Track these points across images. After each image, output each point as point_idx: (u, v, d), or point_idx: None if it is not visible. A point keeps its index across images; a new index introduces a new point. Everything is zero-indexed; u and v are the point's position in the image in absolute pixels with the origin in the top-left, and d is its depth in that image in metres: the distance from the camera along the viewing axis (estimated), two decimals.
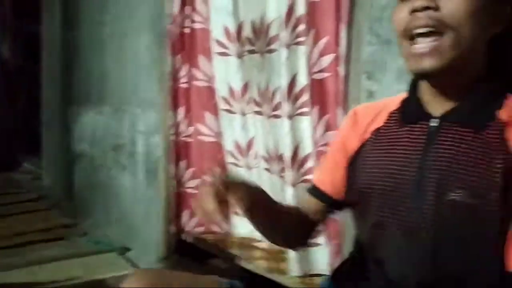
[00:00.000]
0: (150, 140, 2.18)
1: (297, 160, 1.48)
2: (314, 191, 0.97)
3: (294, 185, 1.48)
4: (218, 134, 1.86)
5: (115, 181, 2.55)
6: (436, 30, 0.73)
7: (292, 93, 1.46)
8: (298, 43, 1.45)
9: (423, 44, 0.74)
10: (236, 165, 1.78)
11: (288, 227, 0.95)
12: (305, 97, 1.44)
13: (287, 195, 1.50)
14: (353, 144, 0.92)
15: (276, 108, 1.56)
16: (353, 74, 1.32)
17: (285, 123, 1.47)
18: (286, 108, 1.46)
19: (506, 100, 0.78)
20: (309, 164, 1.48)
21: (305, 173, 1.50)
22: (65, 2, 3.17)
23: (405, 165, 0.81)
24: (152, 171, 2.16)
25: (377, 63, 1.25)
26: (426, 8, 0.73)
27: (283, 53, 1.44)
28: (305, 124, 1.46)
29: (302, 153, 1.48)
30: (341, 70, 1.32)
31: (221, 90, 1.78)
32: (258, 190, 0.86)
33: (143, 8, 2.22)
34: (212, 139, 1.88)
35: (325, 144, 1.40)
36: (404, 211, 0.79)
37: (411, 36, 0.75)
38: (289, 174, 1.48)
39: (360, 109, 0.96)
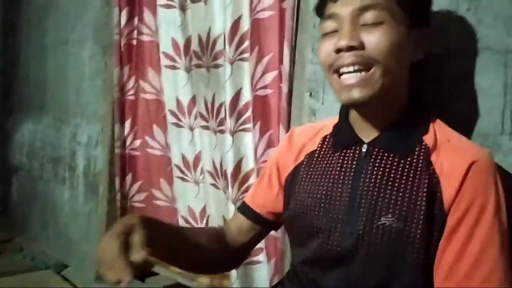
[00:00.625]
0: (92, 153, 2.10)
1: (239, 177, 1.47)
2: (244, 209, 0.98)
3: (235, 202, 1.47)
4: (166, 148, 1.82)
5: (53, 194, 2.44)
6: (364, 66, 0.75)
7: (235, 109, 1.45)
8: (242, 59, 1.44)
9: (349, 75, 0.76)
10: (183, 179, 1.75)
11: (209, 251, 0.90)
12: (248, 113, 1.43)
13: (229, 212, 1.48)
14: (288, 166, 0.94)
15: (221, 123, 1.55)
16: (297, 92, 1.34)
17: (228, 139, 1.46)
18: (229, 123, 1.45)
19: (432, 124, 0.81)
20: (251, 181, 1.47)
21: (247, 190, 1.48)
22: (5, 6, 3.03)
23: (338, 190, 0.83)
24: (92, 185, 2.08)
25: (319, 82, 1.27)
26: (351, 47, 0.75)
27: (228, 68, 1.44)
28: (248, 140, 1.45)
29: (244, 170, 1.47)
30: (284, 87, 1.33)
31: (169, 104, 1.75)
32: (153, 225, 0.77)
33: (87, 17, 2.16)
34: (160, 153, 1.84)
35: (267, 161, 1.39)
36: (338, 236, 0.80)
37: (337, 72, 0.77)
38: (231, 191, 1.46)
39: (297, 130, 0.98)
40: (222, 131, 1.53)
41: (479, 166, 0.73)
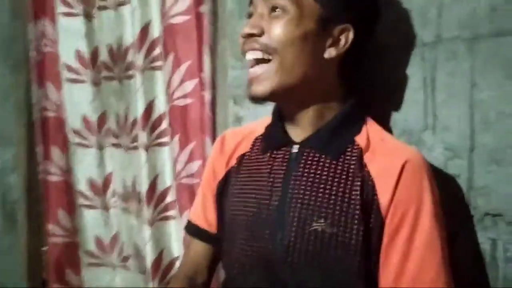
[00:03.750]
0: (6, 180, 1.92)
1: (154, 196, 1.36)
2: (196, 231, 0.93)
3: (151, 223, 1.35)
4: (67, 172, 1.61)
5: None
6: (264, 55, 0.75)
7: (149, 122, 1.34)
8: (154, 68, 1.34)
9: (253, 69, 0.77)
10: (89, 207, 1.57)
11: None
12: (164, 125, 1.33)
13: (144, 236, 1.36)
14: (221, 172, 0.89)
15: (135, 139, 1.42)
16: (220, 99, 1.28)
17: (141, 155, 1.34)
18: (142, 138, 1.34)
19: (364, 124, 0.79)
20: (169, 199, 1.36)
21: (164, 210, 1.37)
22: None
23: (268, 194, 0.77)
24: (10, 216, 1.90)
25: (242, 88, 1.21)
26: (253, 35, 0.76)
27: (138, 78, 1.33)
28: (164, 155, 1.35)
29: (160, 188, 1.36)
30: (207, 95, 1.26)
31: (72, 122, 1.57)
32: None
33: None
34: (58, 178, 1.60)
35: (190, 176, 1.29)
36: (267, 244, 0.76)
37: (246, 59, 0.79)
38: (146, 212, 1.34)
39: (228, 134, 0.93)
40: (135, 148, 1.41)
41: (411, 166, 0.72)
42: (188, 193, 1.31)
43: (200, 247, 0.92)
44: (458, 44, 0.82)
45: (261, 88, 0.75)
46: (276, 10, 0.74)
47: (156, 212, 1.36)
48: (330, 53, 0.77)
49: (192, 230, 0.94)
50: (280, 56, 0.74)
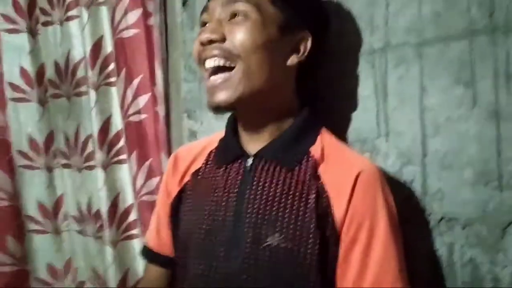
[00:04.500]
0: None
1: (116, 216, 1.30)
2: (150, 255, 0.90)
3: (115, 244, 1.30)
4: (14, 197, 1.50)
5: None
6: (227, 61, 0.72)
7: (106, 140, 1.30)
8: (109, 84, 1.30)
9: (215, 77, 0.73)
10: (40, 232, 1.49)
11: None
12: (122, 143, 1.29)
13: (106, 258, 1.30)
14: (174, 191, 0.85)
15: (89, 158, 1.37)
16: (174, 114, 1.24)
17: (99, 175, 1.29)
18: (100, 157, 1.29)
19: (319, 135, 0.77)
20: (132, 217, 1.31)
21: (127, 229, 1.32)
22: None
23: (222, 209, 0.74)
24: None
25: (196, 101, 1.18)
26: (213, 41, 0.72)
27: (92, 95, 1.29)
28: (124, 173, 1.31)
29: (122, 207, 1.32)
30: (160, 110, 1.22)
31: (18, 143, 1.49)
32: None
33: None
34: (5, 203, 1.48)
35: (151, 193, 1.25)
36: (222, 261, 0.72)
37: (205, 68, 0.74)
38: (108, 233, 1.29)
39: (181, 151, 0.90)
40: (90, 167, 1.36)
41: (365, 177, 0.71)
42: (150, 210, 1.26)
43: (155, 272, 0.89)
44: (406, 49, 0.82)
45: (224, 97, 0.71)
46: (237, 16, 0.72)
47: (119, 232, 1.32)
48: (292, 60, 0.76)
49: (147, 254, 0.91)
50: (244, 63, 0.71)
